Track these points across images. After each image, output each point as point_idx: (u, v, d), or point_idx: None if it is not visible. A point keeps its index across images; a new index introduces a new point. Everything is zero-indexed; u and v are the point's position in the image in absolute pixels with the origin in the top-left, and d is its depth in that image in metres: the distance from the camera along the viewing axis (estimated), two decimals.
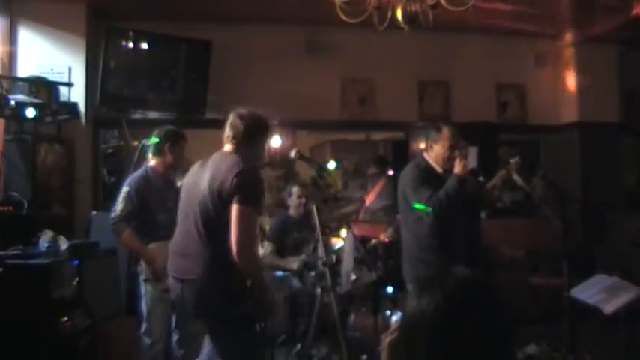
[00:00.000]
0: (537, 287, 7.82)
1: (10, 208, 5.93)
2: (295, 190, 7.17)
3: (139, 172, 5.56)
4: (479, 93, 9.17)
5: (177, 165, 5.67)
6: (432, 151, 5.44)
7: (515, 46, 9.15)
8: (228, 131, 4.36)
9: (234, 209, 3.91)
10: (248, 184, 4.00)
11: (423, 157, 5.53)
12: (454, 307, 1.79)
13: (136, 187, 5.39)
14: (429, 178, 5.32)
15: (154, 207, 5.41)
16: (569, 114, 9.27)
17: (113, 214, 5.34)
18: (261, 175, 4.32)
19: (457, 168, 5.21)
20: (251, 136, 4.34)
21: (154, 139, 5.59)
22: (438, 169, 5.42)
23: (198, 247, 4.07)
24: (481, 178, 5.46)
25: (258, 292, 4.00)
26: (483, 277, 1.90)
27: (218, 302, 4.00)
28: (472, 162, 7.83)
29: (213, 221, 4.04)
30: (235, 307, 3.98)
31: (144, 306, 5.37)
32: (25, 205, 6.04)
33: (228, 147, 4.36)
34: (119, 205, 5.34)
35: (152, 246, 5.30)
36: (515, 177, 5.76)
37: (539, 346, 6.16)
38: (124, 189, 5.41)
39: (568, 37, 9.19)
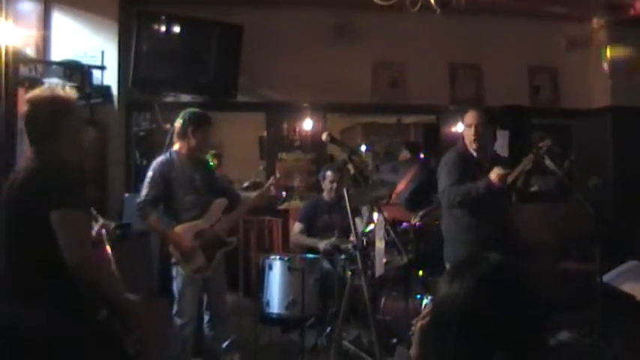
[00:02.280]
0: (569, 273, 7.78)
1: None
2: (329, 174, 7.19)
3: (163, 156, 5.60)
4: (511, 76, 9.10)
5: (202, 148, 5.69)
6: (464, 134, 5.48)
7: (546, 29, 9.06)
8: None
9: None
10: None
11: (463, 141, 5.58)
12: (485, 292, 1.80)
13: (160, 170, 5.45)
14: (463, 163, 5.35)
15: (180, 189, 5.46)
16: (602, 97, 9.16)
17: (139, 200, 5.43)
18: None
19: (494, 174, 5.21)
20: None
21: (178, 122, 5.63)
22: (474, 153, 5.45)
23: None
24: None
25: None
26: (515, 263, 1.91)
27: None
28: (503, 147, 7.82)
29: None
30: None
31: (175, 287, 5.44)
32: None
33: None
34: (144, 190, 5.42)
35: (177, 228, 5.37)
36: (548, 161, 5.71)
37: (572, 332, 6.13)
38: (149, 173, 5.49)
39: (599, 19, 9.07)
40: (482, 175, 5.30)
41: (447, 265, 5.51)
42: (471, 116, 5.46)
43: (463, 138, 5.58)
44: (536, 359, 1.80)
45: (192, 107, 5.89)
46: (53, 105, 3.47)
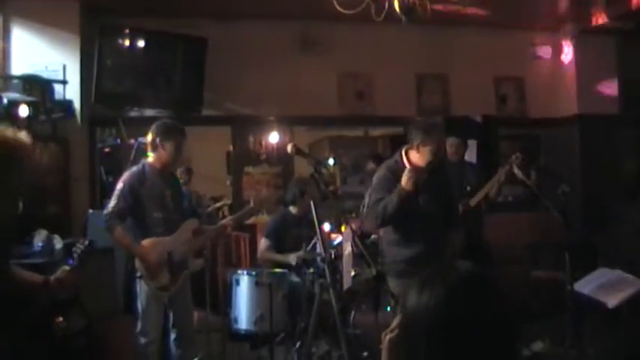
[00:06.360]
0: (539, 281, 7.77)
1: None
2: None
3: (135, 168, 5.47)
4: (477, 86, 9.10)
5: (174, 160, 5.53)
6: (415, 151, 5.15)
7: (513, 39, 9.09)
8: None
9: None
10: None
11: (400, 153, 5.29)
12: (456, 302, 1.74)
13: (130, 183, 5.31)
14: (393, 182, 5.10)
15: (149, 204, 5.32)
16: (569, 107, 9.20)
17: (105, 211, 5.27)
18: None
19: (404, 179, 4.90)
20: None
21: (149, 134, 5.51)
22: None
23: None
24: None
25: None
26: (485, 272, 1.85)
27: None
28: (472, 156, 7.81)
29: None
30: None
31: (139, 304, 5.31)
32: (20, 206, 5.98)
33: None
34: (112, 202, 5.26)
35: (145, 242, 5.23)
36: (516, 171, 5.71)
37: (545, 342, 6.10)
38: (118, 185, 5.33)
39: (566, 29, 9.12)
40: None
41: (388, 279, 5.31)
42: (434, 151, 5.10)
43: (401, 153, 5.29)
44: None
45: (157, 122, 5.74)
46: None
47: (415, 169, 4.94)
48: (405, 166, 5.13)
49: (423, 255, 5.01)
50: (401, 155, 5.24)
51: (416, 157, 5.12)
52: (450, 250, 5.16)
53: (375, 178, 5.29)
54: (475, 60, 8.98)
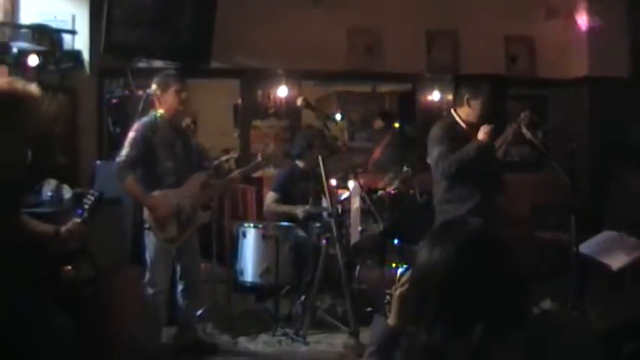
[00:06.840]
0: (544, 242, 7.78)
1: None
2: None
3: (147, 117, 5.48)
4: (488, 45, 9.01)
5: (178, 108, 5.50)
6: (466, 106, 5.34)
7: None
8: None
9: None
10: None
11: (451, 113, 5.45)
12: (466, 258, 1.76)
13: (143, 132, 5.31)
14: (452, 135, 5.25)
15: (161, 153, 5.33)
16: (579, 68, 9.12)
17: (118, 160, 5.28)
18: None
19: (481, 133, 5.10)
20: None
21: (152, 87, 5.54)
22: (464, 125, 5.34)
23: None
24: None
25: None
26: (495, 229, 1.87)
27: None
28: None
29: None
30: None
31: (147, 256, 5.35)
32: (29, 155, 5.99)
33: None
34: (124, 150, 5.27)
35: (156, 194, 5.26)
36: (524, 130, 5.70)
37: (554, 301, 6.14)
38: (131, 134, 5.34)
39: None
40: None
41: None
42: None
43: (451, 113, 5.45)
44: (517, 328, 1.75)
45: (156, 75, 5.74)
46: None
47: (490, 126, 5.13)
48: (460, 124, 5.35)
49: (481, 209, 5.06)
50: (452, 115, 5.39)
51: (467, 112, 5.32)
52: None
53: (435, 136, 5.34)
54: (486, 18, 8.87)
